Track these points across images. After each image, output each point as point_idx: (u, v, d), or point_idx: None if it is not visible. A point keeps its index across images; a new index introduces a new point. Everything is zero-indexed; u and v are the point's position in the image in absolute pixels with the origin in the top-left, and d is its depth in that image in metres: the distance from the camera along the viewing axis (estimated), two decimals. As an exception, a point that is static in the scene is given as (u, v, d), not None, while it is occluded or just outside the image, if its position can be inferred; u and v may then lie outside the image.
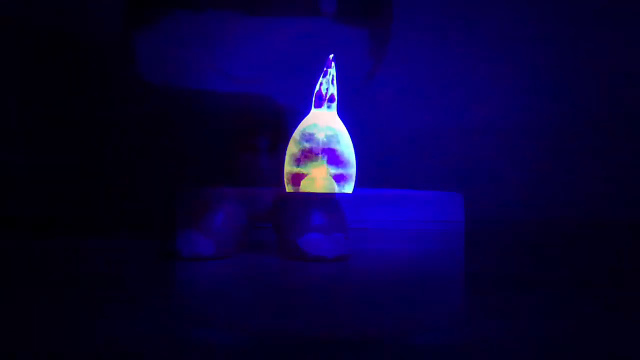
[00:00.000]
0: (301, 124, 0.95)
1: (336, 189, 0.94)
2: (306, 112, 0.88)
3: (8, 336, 0.61)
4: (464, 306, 0.75)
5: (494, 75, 1.44)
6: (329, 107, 0.96)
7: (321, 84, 0.95)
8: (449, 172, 1.42)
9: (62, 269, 0.89)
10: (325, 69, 0.94)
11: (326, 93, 0.95)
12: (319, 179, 0.94)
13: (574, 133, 1.44)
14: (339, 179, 0.95)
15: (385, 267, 0.94)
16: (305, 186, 0.94)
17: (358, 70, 0.88)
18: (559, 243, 1.19)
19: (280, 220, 0.92)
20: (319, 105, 0.96)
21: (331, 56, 0.92)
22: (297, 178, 0.94)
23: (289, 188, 0.95)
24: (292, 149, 0.95)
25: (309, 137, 0.95)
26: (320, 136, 0.95)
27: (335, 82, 0.95)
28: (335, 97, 0.96)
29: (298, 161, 0.94)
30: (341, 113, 0.97)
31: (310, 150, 0.94)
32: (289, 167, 0.95)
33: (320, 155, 0.94)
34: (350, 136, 0.96)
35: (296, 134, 0.95)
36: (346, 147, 0.96)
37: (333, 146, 0.95)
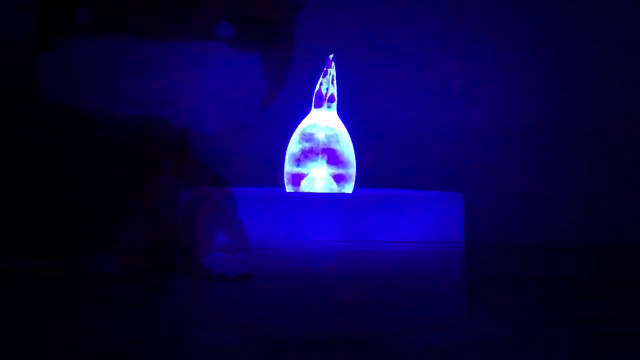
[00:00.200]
0: (301, 124, 0.96)
1: (336, 189, 0.94)
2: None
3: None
4: (463, 306, 0.75)
5: (494, 75, 1.44)
6: (329, 107, 0.96)
7: (321, 84, 0.95)
8: (449, 172, 1.42)
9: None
10: (325, 69, 0.94)
11: (326, 93, 0.95)
12: (319, 179, 0.94)
13: (575, 133, 1.44)
14: (339, 179, 0.95)
15: (385, 267, 0.94)
16: (306, 186, 0.94)
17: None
18: (560, 242, 1.18)
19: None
20: (319, 105, 0.96)
21: (331, 56, 0.92)
22: (297, 178, 0.94)
23: (289, 188, 0.95)
24: (292, 148, 0.95)
25: (309, 137, 0.95)
26: (320, 136, 0.95)
27: (335, 82, 0.95)
28: (335, 97, 0.96)
29: (298, 161, 0.94)
30: (341, 113, 0.97)
31: (311, 150, 0.94)
32: (289, 167, 0.95)
33: (320, 155, 0.94)
34: (350, 136, 0.96)
35: (296, 134, 0.95)
36: (346, 147, 0.96)
37: (333, 146, 0.95)
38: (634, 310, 0.73)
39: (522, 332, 0.64)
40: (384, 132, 1.38)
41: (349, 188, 0.96)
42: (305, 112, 0.97)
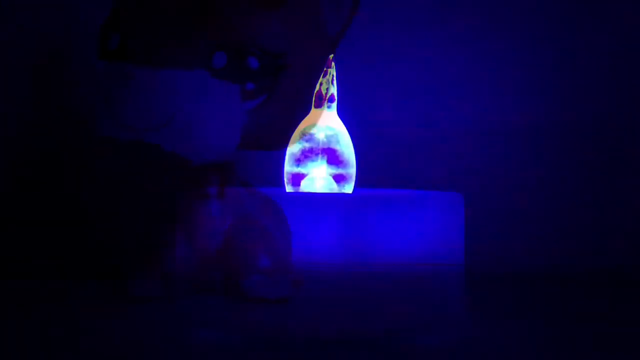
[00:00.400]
0: (301, 123, 0.96)
1: (336, 189, 0.95)
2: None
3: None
4: (463, 306, 0.75)
5: (494, 75, 1.44)
6: (329, 107, 0.96)
7: (321, 84, 0.95)
8: (449, 172, 1.42)
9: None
10: (325, 69, 0.94)
11: (326, 93, 0.95)
12: (319, 179, 0.94)
13: (575, 133, 1.44)
14: (339, 179, 0.95)
15: (385, 267, 0.94)
16: (306, 186, 0.94)
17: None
18: (560, 242, 1.18)
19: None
20: (319, 105, 0.96)
21: (331, 56, 0.93)
22: (297, 178, 0.94)
23: (289, 188, 0.95)
24: (292, 148, 0.95)
25: (309, 137, 0.95)
26: (320, 136, 0.95)
27: (335, 82, 0.95)
28: (335, 97, 0.96)
29: (298, 161, 0.94)
30: (341, 113, 0.97)
31: (311, 150, 0.94)
32: (289, 167, 0.95)
33: (320, 155, 0.94)
34: (350, 136, 0.96)
35: (296, 134, 0.95)
36: (346, 147, 0.96)
37: (333, 146, 0.95)
38: (634, 310, 0.73)
39: (522, 332, 0.64)
40: (384, 132, 1.38)
41: (349, 188, 0.96)
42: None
